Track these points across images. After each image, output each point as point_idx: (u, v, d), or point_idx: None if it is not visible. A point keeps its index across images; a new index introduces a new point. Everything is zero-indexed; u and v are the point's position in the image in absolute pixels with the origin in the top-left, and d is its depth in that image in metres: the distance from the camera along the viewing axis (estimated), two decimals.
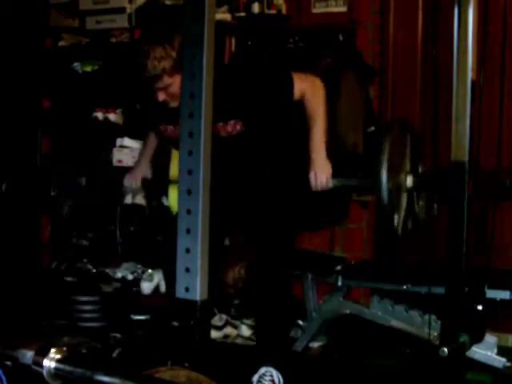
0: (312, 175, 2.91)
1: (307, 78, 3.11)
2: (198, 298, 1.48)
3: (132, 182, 3.34)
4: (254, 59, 3.35)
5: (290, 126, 3.19)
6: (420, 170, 2.73)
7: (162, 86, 2.87)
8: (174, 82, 2.83)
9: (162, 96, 2.89)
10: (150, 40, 2.89)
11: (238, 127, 2.97)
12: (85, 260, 4.88)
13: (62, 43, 4.97)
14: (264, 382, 3.15)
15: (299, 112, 3.07)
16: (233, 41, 4.46)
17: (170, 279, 4.26)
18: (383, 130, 2.63)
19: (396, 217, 2.62)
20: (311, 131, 2.99)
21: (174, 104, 2.88)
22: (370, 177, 2.66)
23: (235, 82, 2.95)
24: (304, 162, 3.07)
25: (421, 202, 2.70)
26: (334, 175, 4.01)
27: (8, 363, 1.47)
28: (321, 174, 2.92)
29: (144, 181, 3.33)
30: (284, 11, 4.43)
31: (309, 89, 3.04)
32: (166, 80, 2.84)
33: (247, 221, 3.28)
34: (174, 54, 2.80)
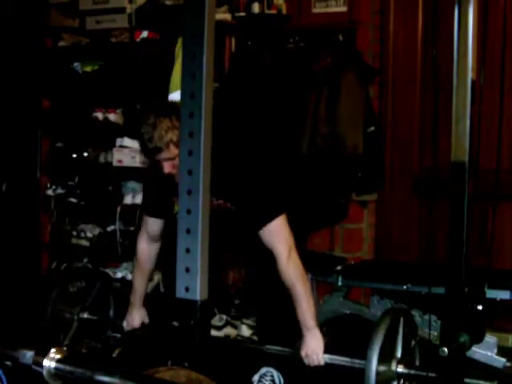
0: (303, 353, 2.89)
1: (284, 239, 2.89)
2: (198, 297, 1.47)
3: (131, 327, 3.33)
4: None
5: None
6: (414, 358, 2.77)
7: (168, 157, 2.85)
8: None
9: (167, 167, 2.86)
10: (157, 112, 2.88)
11: (228, 205, 2.95)
12: (85, 260, 4.88)
13: (62, 43, 4.97)
14: (264, 381, 3.15)
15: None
16: (233, 41, 4.47)
17: (168, 280, 4.26)
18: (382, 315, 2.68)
19: None
20: (296, 306, 2.87)
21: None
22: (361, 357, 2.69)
23: (227, 172, 2.88)
24: None
25: None
26: (334, 176, 4.03)
27: (8, 363, 1.47)
28: (312, 354, 2.88)
29: (143, 324, 3.33)
30: (284, 11, 4.44)
31: (282, 255, 2.86)
32: (173, 151, 2.81)
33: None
34: (179, 125, 2.77)
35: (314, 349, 2.88)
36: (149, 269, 3.32)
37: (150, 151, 2.84)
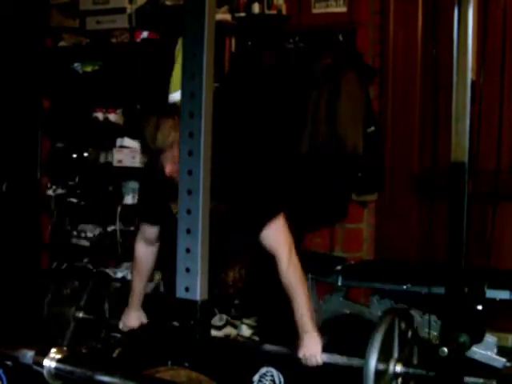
0: (301, 354, 2.89)
1: (283, 239, 2.89)
2: (198, 297, 1.48)
3: (128, 328, 3.32)
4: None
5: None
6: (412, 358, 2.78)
7: (170, 158, 2.84)
8: None
9: (169, 168, 2.85)
10: (160, 112, 2.88)
11: (223, 207, 2.94)
12: (85, 260, 4.88)
13: (62, 43, 4.98)
14: (264, 381, 3.15)
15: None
16: (233, 41, 4.47)
17: (167, 280, 4.26)
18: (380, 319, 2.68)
19: None
20: (294, 307, 2.86)
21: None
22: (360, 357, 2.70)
23: (225, 173, 2.87)
24: None
25: None
26: (334, 176, 4.03)
27: (8, 363, 1.47)
28: (309, 355, 2.88)
29: (140, 324, 3.33)
30: (284, 11, 4.44)
31: (282, 255, 2.86)
32: (176, 152, 2.81)
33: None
34: None
35: (312, 351, 2.88)
36: (147, 270, 3.32)
37: (152, 152, 2.84)
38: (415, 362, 2.76)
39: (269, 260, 2.94)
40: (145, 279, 3.34)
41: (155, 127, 2.81)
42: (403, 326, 2.66)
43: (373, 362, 2.51)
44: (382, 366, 2.57)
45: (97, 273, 4.18)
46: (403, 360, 2.63)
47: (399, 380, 2.63)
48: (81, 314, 3.34)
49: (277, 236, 2.89)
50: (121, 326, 3.29)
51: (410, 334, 2.73)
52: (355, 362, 2.73)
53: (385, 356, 2.58)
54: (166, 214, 3.05)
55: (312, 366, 2.88)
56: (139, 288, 3.32)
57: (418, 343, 2.78)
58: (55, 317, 3.35)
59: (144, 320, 3.31)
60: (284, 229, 2.90)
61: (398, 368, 2.62)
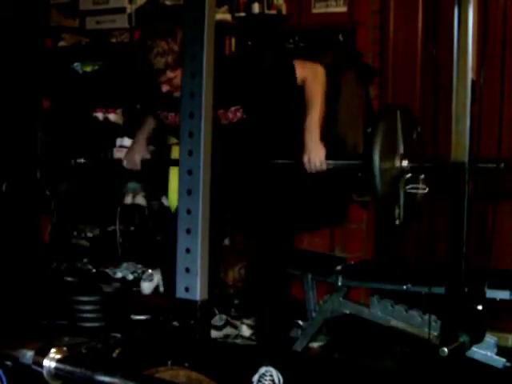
0: (305, 158, 2.91)
1: (308, 64, 3.14)
2: (198, 297, 1.48)
3: (131, 164, 3.31)
4: (255, 52, 3.36)
5: (291, 115, 3.19)
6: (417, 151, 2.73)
7: (165, 80, 2.89)
8: (178, 76, 2.84)
9: (165, 88, 2.92)
10: (153, 35, 2.90)
11: (239, 114, 2.99)
12: (85, 260, 4.88)
13: (62, 43, 4.97)
14: (264, 381, 3.15)
15: (301, 100, 3.09)
16: (233, 41, 4.47)
17: (167, 280, 4.26)
18: (379, 114, 2.64)
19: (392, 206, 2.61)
20: (307, 115, 3.00)
21: (177, 94, 2.89)
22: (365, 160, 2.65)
23: (237, 68, 2.97)
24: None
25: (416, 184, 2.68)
26: (334, 176, 4.02)
27: (8, 363, 1.47)
28: (314, 157, 2.91)
29: (143, 162, 3.30)
30: (284, 11, 4.44)
31: (310, 75, 3.06)
32: (169, 74, 2.86)
33: (247, 216, 3.28)
34: (176, 48, 2.82)
35: (315, 151, 2.91)
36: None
37: (146, 74, 2.88)
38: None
39: (268, 259, 2.94)
40: (152, 126, 3.38)
41: (148, 51, 2.85)
42: (402, 121, 2.61)
43: (377, 159, 2.47)
44: (387, 163, 2.52)
45: (97, 273, 4.18)
46: (409, 155, 2.58)
47: (408, 175, 2.59)
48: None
49: (304, 66, 3.09)
50: (125, 163, 3.31)
51: (410, 128, 2.68)
52: (359, 163, 2.70)
53: (389, 153, 2.53)
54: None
55: (317, 172, 2.89)
56: (150, 124, 3.35)
57: (419, 135, 2.73)
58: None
59: (147, 156, 3.32)
60: (307, 63, 3.13)
61: (405, 163, 2.58)
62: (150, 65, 2.86)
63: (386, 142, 2.51)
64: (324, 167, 2.88)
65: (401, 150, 2.58)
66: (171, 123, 3.13)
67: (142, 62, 2.91)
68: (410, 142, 2.64)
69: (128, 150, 3.36)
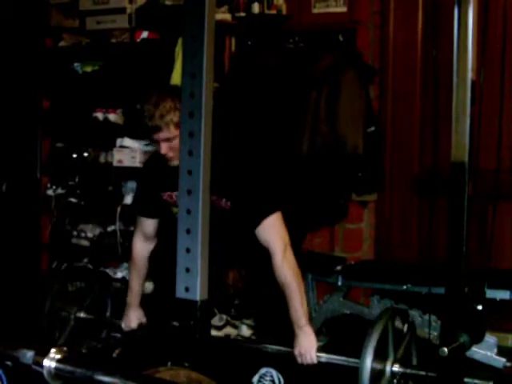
0: (297, 352, 2.90)
1: (280, 237, 2.92)
2: (198, 298, 1.48)
3: (129, 328, 3.33)
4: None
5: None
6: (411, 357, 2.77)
7: (165, 138, 2.86)
8: (178, 136, 2.81)
9: (164, 148, 2.88)
10: (160, 91, 2.90)
11: (229, 204, 2.98)
12: (85, 260, 4.88)
13: (62, 43, 4.97)
14: (264, 382, 3.15)
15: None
16: (233, 41, 4.47)
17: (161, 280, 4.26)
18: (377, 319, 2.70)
19: None
20: (289, 306, 2.89)
21: (175, 162, 2.85)
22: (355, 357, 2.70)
23: (226, 168, 2.91)
24: None
25: None
26: (334, 176, 4.03)
27: (8, 363, 1.47)
28: (305, 353, 2.89)
29: (140, 324, 3.34)
30: (284, 11, 4.44)
31: (277, 253, 2.89)
32: (172, 131, 2.83)
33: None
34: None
35: (306, 347, 2.89)
36: (145, 267, 3.33)
37: (149, 129, 2.86)
38: (414, 362, 2.76)
39: (268, 260, 2.94)
40: (142, 277, 3.35)
41: (154, 105, 2.83)
42: (399, 325, 2.65)
43: (368, 362, 2.51)
44: (378, 366, 2.57)
45: (101, 273, 4.17)
46: (400, 360, 2.63)
47: (396, 380, 2.63)
48: (82, 314, 3.35)
49: (271, 232, 2.91)
50: (123, 326, 3.32)
51: (407, 333, 2.73)
52: (352, 361, 2.73)
53: (381, 356, 2.58)
54: (163, 207, 3.08)
55: (308, 365, 2.89)
56: (137, 286, 3.33)
57: (415, 343, 2.78)
58: (56, 315, 3.36)
59: (143, 320, 3.33)
60: (279, 226, 2.92)
61: (396, 368, 2.61)
62: (152, 120, 2.84)
63: (378, 346, 2.56)
64: (315, 361, 2.89)
65: (392, 354, 2.63)
66: (172, 202, 3.06)
67: (144, 116, 2.88)
68: (402, 345, 2.70)
69: (124, 313, 3.33)
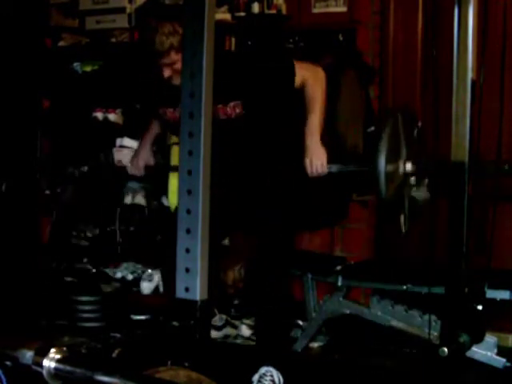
0: (307, 161, 2.93)
1: (309, 66, 3.15)
2: (198, 297, 1.48)
3: (136, 170, 3.34)
4: (256, 50, 3.37)
5: (289, 114, 3.20)
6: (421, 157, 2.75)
7: (168, 62, 2.89)
8: (180, 59, 2.84)
9: (167, 72, 2.91)
10: (159, 16, 2.91)
11: (238, 110, 2.99)
12: (85, 260, 4.88)
13: (61, 43, 4.97)
14: (264, 381, 3.15)
15: (300, 101, 3.10)
16: (233, 41, 4.46)
17: (167, 280, 4.27)
18: (383, 117, 2.66)
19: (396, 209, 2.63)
20: (308, 118, 3.01)
21: (176, 81, 2.88)
22: (367, 164, 2.68)
23: (238, 64, 2.97)
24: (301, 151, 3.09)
25: (420, 188, 2.70)
26: (334, 176, 4.02)
27: (8, 363, 1.47)
28: (316, 160, 2.92)
29: (147, 168, 3.32)
30: (284, 11, 4.43)
31: (310, 77, 3.07)
32: (173, 56, 2.86)
33: (247, 215, 3.28)
34: (181, 30, 2.82)
35: (317, 155, 2.92)
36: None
37: (150, 55, 2.88)
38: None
39: (268, 259, 2.94)
40: (156, 131, 3.41)
41: (153, 31, 2.84)
42: (408, 124, 2.63)
43: (382, 162, 2.50)
44: (391, 167, 2.55)
45: (97, 273, 4.18)
46: (412, 159, 2.61)
47: (412, 178, 2.61)
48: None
49: (302, 67, 3.10)
50: (129, 169, 3.33)
51: (415, 133, 2.71)
52: (364, 168, 2.73)
53: (393, 157, 2.56)
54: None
55: (318, 175, 2.91)
56: (156, 127, 3.38)
57: (419, 133, 2.75)
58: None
59: (151, 161, 3.35)
60: (306, 64, 3.14)
61: (409, 166, 2.60)
62: (153, 46, 2.85)
63: (390, 146, 2.53)
64: (325, 171, 2.89)
65: (404, 153, 2.61)
66: (169, 119, 3.13)
67: (145, 43, 2.90)
68: (411, 144, 2.66)
69: (133, 154, 3.36)
